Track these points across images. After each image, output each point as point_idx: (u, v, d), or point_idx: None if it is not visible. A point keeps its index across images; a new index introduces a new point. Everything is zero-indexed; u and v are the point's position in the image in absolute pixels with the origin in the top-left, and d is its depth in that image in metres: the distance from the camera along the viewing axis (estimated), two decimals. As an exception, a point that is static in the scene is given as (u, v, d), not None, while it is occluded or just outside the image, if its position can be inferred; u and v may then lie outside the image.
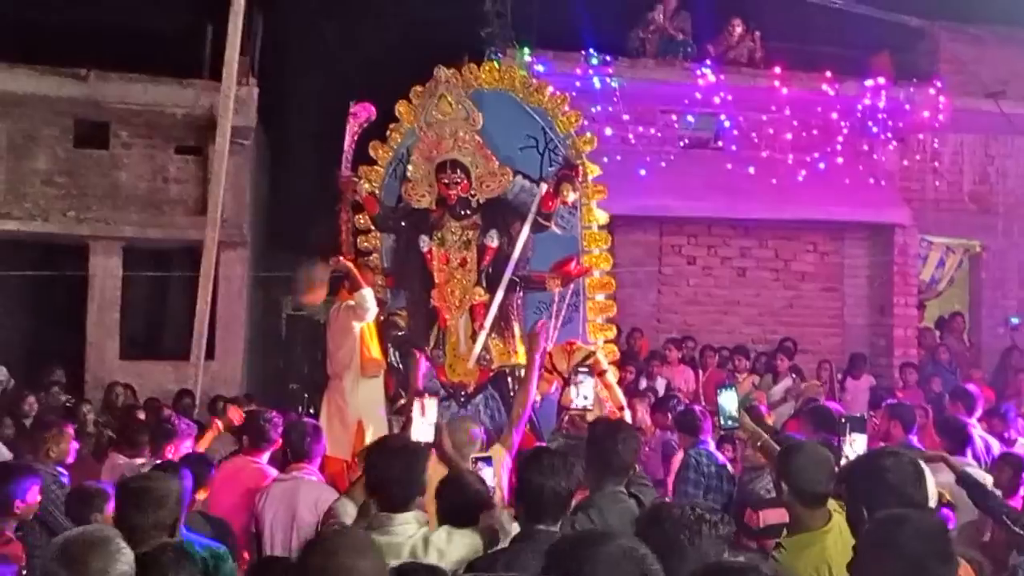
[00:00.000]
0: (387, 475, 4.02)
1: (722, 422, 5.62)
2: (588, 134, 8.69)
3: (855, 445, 4.41)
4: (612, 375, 8.13)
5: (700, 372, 11.51)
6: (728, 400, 5.57)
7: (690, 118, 12.85)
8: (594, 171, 8.63)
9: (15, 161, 12.44)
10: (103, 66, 12.18)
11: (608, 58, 12.17)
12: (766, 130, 12.81)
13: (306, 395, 11.62)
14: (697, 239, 13.28)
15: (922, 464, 3.67)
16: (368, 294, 7.45)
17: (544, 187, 8.00)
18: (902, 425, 7.78)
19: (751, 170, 12.45)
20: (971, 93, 13.12)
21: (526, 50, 11.80)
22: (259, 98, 12.53)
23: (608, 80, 12.10)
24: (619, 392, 8.09)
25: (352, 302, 7.50)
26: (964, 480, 5.88)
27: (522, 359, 7.88)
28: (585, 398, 6.16)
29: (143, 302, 12.94)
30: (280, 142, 14.93)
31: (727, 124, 12.82)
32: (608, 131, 11.77)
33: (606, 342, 8.62)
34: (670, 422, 8.32)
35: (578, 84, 11.70)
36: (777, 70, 12.57)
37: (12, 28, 11.93)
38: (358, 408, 7.40)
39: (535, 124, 8.43)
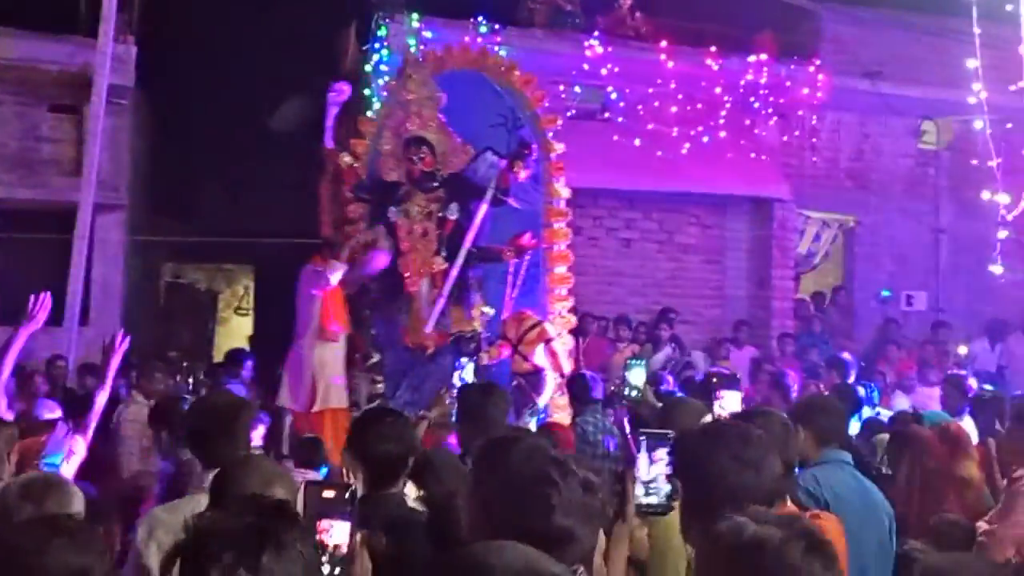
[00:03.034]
0: (209, 430, 3.98)
1: (627, 392, 5.84)
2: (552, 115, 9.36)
3: (725, 403, 4.43)
4: (560, 344, 8.72)
5: (580, 340, 11.60)
6: (636, 376, 5.79)
7: (578, 89, 12.87)
8: (557, 149, 9.20)
9: None
10: (-28, 18, 11.68)
11: (497, 27, 12.11)
12: (652, 103, 12.91)
13: (185, 363, 11.41)
14: (583, 210, 13.34)
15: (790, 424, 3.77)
16: (339, 267, 8.08)
17: (503, 163, 8.50)
18: (781, 396, 8.21)
19: (637, 142, 12.56)
20: (850, 73, 13.44)
21: (415, 16, 11.67)
22: (138, 57, 12.12)
23: (497, 49, 12.04)
24: (564, 360, 8.63)
25: (321, 268, 8.11)
26: None
27: (478, 326, 8.51)
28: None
29: (14, 265, 12.45)
30: (161, 103, 14.46)
31: (614, 96, 12.89)
32: (496, 100, 11.75)
33: (568, 311, 9.30)
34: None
35: (467, 52, 11.64)
36: (664, 44, 12.68)
37: None
38: (313, 367, 8.06)
39: (504, 103, 9.20)
